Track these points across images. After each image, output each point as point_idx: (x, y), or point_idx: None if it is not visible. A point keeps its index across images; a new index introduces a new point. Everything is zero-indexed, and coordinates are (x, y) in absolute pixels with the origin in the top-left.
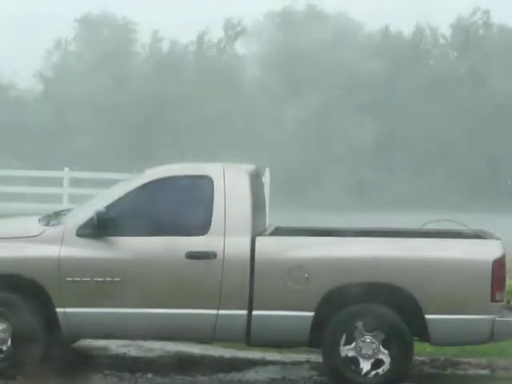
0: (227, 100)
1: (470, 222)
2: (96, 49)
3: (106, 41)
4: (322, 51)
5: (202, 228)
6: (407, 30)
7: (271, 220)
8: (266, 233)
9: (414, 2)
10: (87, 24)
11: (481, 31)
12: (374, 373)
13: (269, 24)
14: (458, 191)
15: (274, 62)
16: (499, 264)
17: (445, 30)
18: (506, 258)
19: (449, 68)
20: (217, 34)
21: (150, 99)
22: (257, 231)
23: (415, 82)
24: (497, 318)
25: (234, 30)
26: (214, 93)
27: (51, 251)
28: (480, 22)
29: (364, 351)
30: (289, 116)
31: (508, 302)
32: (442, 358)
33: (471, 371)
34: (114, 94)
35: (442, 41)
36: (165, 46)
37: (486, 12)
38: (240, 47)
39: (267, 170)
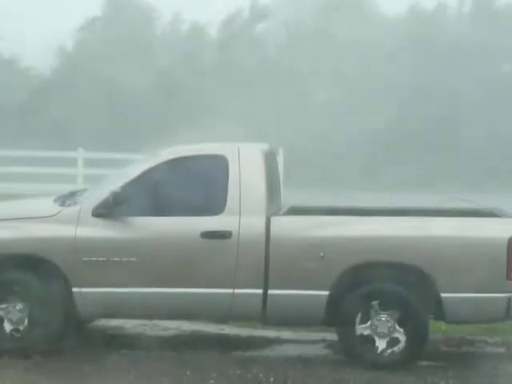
0: (245, 81)
1: (486, 200)
2: (118, 30)
3: (129, 22)
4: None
5: (217, 208)
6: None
7: (285, 199)
8: (281, 212)
9: None
10: (112, 6)
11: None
12: (389, 351)
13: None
14: (474, 171)
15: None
16: None
17: None
18: None
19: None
20: (240, 15)
21: (167, 80)
22: (272, 211)
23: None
24: None
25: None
26: (233, 73)
27: (67, 231)
28: None
29: (379, 330)
30: (307, 97)
31: None
32: (458, 336)
33: (487, 349)
34: (133, 74)
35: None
36: (184, 29)
37: None
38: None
39: (281, 149)
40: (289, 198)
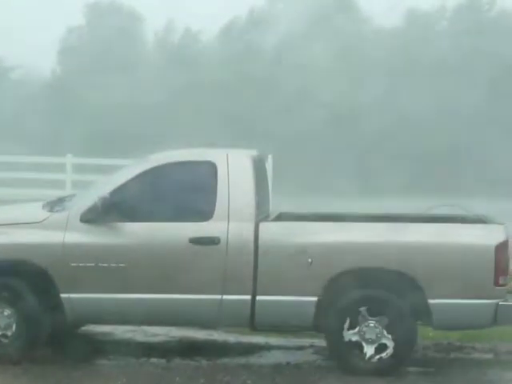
0: (238, 86)
1: (475, 207)
2: (105, 36)
3: (114, 28)
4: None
5: (206, 213)
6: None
7: (274, 206)
8: (270, 218)
9: None
10: (96, 12)
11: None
12: (377, 357)
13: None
14: (463, 176)
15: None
16: (502, 248)
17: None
18: (510, 243)
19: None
20: (233, 21)
21: (158, 86)
22: (260, 217)
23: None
24: (500, 303)
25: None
26: (223, 80)
27: (55, 237)
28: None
29: (368, 336)
30: (298, 103)
31: None
32: (445, 342)
33: (475, 355)
34: (122, 80)
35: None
36: (176, 34)
37: None
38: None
39: (270, 156)
40: (278, 204)
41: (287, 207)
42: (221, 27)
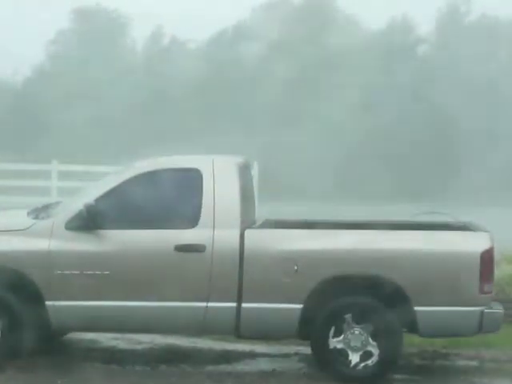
0: (225, 91)
1: (461, 214)
2: (91, 40)
3: (100, 32)
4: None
5: (191, 221)
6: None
7: (260, 212)
8: (255, 225)
9: None
10: (82, 16)
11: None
12: (362, 365)
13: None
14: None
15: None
16: (488, 256)
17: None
18: (495, 250)
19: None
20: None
21: (142, 91)
22: (246, 224)
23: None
24: (485, 310)
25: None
26: (208, 84)
27: (40, 244)
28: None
29: (353, 343)
30: (285, 106)
31: (496, 293)
32: (431, 349)
33: (460, 363)
34: (106, 86)
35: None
36: (162, 39)
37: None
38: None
39: (256, 163)
40: (264, 211)
41: (273, 214)
42: (207, 37)
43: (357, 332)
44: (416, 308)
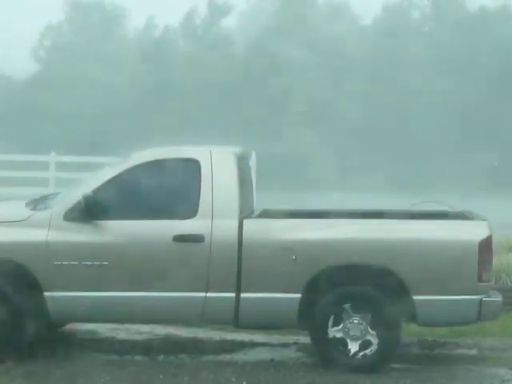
0: (214, 82)
1: (462, 203)
2: (86, 32)
3: (94, 24)
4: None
5: (190, 211)
6: None
7: (258, 202)
8: (254, 215)
9: None
10: (77, 8)
11: None
12: (361, 354)
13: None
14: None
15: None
16: (486, 245)
17: None
18: (493, 239)
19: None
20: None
21: (138, 82)
22: (244, 214)
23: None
24: (484, 299)
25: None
26: (201, 74)
27: (39, 235)
28: None
29: (352, 332)
30: (280, 94)
31: (495, 282)
32: (430, 338)
33: (458, 351)
34: (103, 77)
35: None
36: (153, 30)
37: None
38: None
39: (253, 153)
40: (263, 200)
41: (271, 204)
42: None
43: (356, 321)
44: (415, 297)
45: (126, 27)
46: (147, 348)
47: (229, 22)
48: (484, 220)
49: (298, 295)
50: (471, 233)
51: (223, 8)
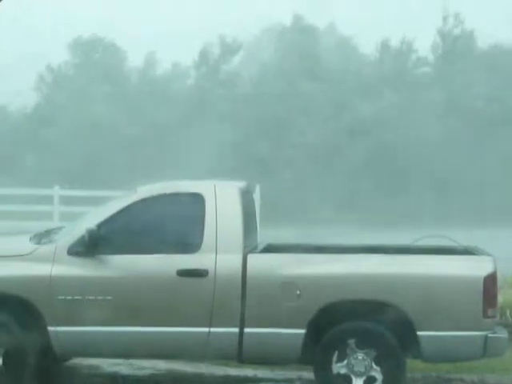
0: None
1: (463, 238)
2: (88, 71)
3: (97, 64)
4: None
5: (194, 246)
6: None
7: (262, 237)
8: (258, 250)
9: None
10: (80, 47)
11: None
12: None
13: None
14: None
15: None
16: (491, 280)
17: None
18: (498, 275)
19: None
20: (213, 52)
21: (140, 119)
22: (248, 248)
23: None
24: (489, 335)
25: (229, 48)
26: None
27: (43, 270)
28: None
29: (356, 368)
30: (283, 133)
31: (500, 318)
32: (434, 374)
33: None
34: (105, 114)
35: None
36: (158, 69)
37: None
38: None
39: (257, 187)
40: (267, 235)
41: (276, 239)
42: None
43: (360, 357)
44: (419, 333)
45: (127, 65)
46: (150, 383)
47: (237, 60)
48: (489, 255)
49: (303, 331)
50: (476, 268)
51: (233, 46)
